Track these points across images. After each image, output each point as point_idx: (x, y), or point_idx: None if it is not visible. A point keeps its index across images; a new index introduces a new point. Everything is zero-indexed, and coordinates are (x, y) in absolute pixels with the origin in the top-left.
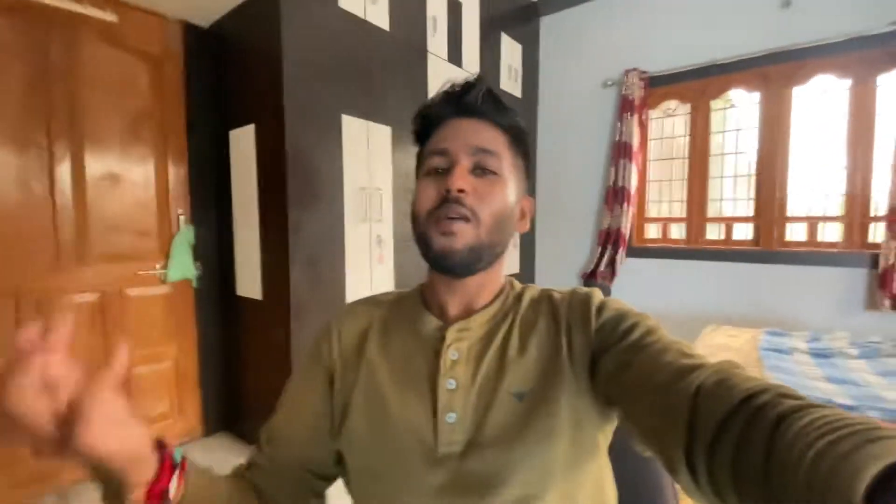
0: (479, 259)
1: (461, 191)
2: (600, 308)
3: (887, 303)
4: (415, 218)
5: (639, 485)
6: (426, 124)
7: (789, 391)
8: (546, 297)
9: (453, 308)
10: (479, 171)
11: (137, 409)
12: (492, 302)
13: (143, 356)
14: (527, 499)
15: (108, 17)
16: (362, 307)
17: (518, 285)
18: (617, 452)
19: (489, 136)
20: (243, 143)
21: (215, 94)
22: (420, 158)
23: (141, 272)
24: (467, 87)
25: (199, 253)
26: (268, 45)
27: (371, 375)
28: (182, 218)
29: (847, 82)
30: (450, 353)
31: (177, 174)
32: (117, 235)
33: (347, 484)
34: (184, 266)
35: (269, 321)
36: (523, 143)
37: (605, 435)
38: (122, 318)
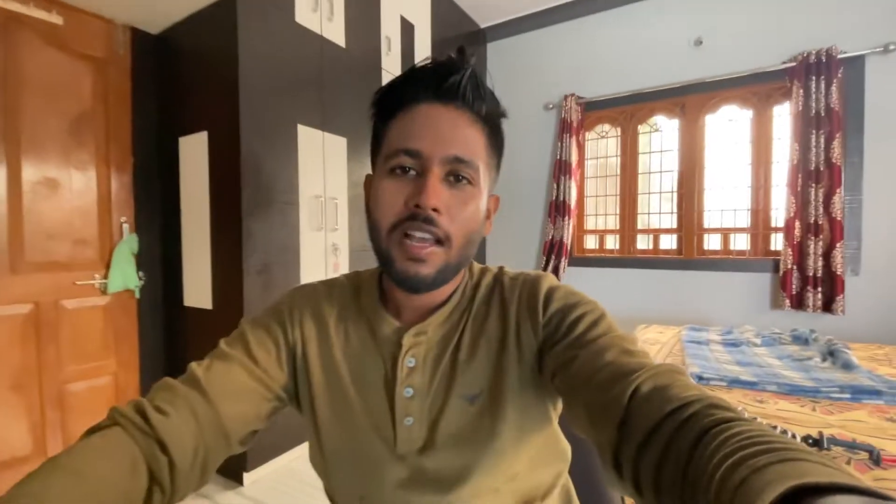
0: (446, 279)
1: (435, 209)
2: (548, 299)
3: (787, 302)
4: (374, 226)
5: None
6: (394, 102)
7: (721, 402)
8: (498, 284)
9: (410, 309)
10: (453, 177)
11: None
12: (449, 298)
13: (79, 371)
14: (484, 492)
15: (54, 19)
16: (323, 299)
17: (476, 271)
18: None
19: (468, 136)
20: (195, 150)
21: (164, 101)
22: (379, 141)
23: (79, 282)
24: (450, 68)
25: (143, 262)
26: (223, 54)
27: (333, 371)
28: (125, 226)
29: (749, 112)
30: (406, 361)
31: (120, 180)
32: (53, 243)
33: (319, 463)
34: (125, 275)
35: (219, 331)
36: (501, 134)
37: (554, 407)
38: (56, 331)
